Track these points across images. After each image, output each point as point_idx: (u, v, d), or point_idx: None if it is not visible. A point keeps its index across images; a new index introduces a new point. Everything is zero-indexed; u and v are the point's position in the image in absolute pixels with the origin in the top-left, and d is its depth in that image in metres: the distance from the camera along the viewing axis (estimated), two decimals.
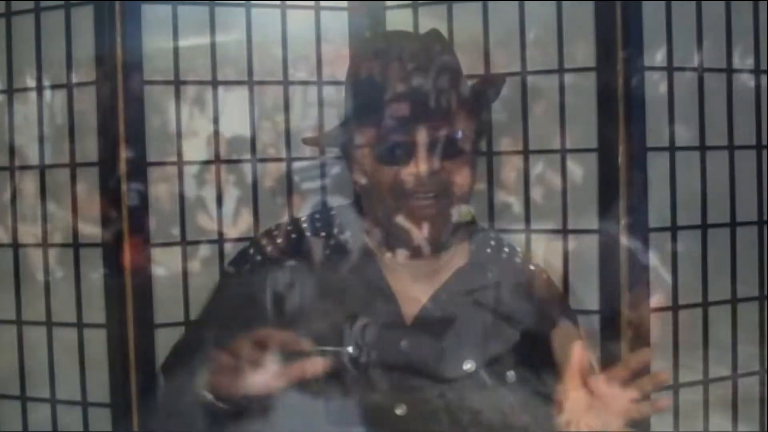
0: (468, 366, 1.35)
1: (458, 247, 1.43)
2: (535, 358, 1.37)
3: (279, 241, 1.42)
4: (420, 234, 1.32)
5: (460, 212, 1.35)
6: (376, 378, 1.32)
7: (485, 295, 1.40)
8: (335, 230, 1.40)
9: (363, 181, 1.36)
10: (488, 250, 1.45)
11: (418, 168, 1.30)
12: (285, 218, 1.59)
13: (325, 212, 1.48)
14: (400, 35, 1.53)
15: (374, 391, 1.32)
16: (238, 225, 1.64)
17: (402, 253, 1.37)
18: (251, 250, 1.43)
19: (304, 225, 1.44)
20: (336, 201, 1.59)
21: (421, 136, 1.30)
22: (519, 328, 1.39)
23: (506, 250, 1.48)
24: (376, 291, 1.36)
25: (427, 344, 1.34)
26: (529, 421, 1.33)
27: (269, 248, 1.41)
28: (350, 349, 1.30)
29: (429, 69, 1.31)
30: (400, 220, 1.32)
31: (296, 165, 1.66)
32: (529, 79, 1.63)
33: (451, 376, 1.34)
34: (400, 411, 1.32)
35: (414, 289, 1.38)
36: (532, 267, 1.49)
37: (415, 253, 1.36)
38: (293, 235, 1.42)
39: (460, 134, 1.33)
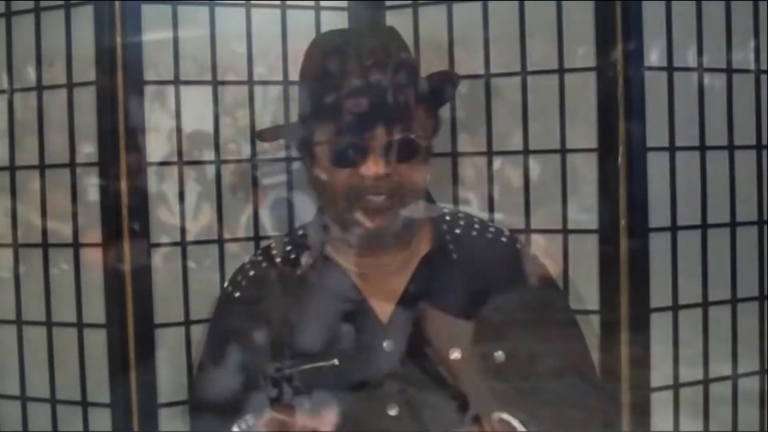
0: (455, 355, 1.34)
1: (421, 236, 1.42)
2: (522, 332, 1.37)
3: (252, 273, 1.45)
4: (371, 228, 1.33)
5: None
6: (364, 383, 1.32)
7: (456, 277, 1.39)
8: (304, 251, 1.41)
9: (321, 178, 1.36)
10: (457, 231, 1.44)
11: (371, 170, 1.30)
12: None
13: (294, 234, 1.50)
14: (355, 32, 1.54)
15: (365, 396, 1.32)
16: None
17: (361, 249, 1.37)
18: (230, 288, 1.47)
19: (274, 252, 1.46)
20: None
21: (376, 137, 1.30)
22: (499, 304, 1.38)
23: (477, 227, 1.47)
24: (348, 300, 1.37)
25: (409, 341, 1.34)
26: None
27: (244, 283, 1.44)
28: (335, 361, 1.32)
29: (385, 66, 1.31)
30: (352, 218, 1.33)
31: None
32: (529, 79, 1.63)
33: (439, 368, 1.34)
34: (393, 412, 1.32)
35: (385, 289, 1.38)
36: (503, 239, 1.48)
37: (371, 247, 1.37)
38: (264, 264, 1.45)
39: (414, 137, 1.33)
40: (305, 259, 1.40)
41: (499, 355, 1.36)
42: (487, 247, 1.45)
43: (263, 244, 1.60)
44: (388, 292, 1.37)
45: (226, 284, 1.51)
